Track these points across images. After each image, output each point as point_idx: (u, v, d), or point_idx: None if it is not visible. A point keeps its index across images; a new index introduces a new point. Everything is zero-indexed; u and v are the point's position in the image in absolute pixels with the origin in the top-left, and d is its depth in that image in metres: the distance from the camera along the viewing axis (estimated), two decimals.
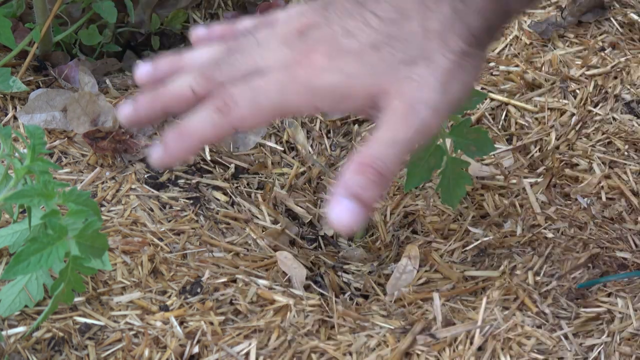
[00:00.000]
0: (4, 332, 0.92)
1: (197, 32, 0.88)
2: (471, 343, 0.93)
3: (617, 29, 1.29)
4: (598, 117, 1.17)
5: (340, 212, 0.80)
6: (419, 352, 0.93)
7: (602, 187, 1.10)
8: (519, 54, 1.26)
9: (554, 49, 1.26)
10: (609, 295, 0.98)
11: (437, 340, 0.94)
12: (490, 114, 1.19)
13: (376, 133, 0.81)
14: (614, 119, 1.17)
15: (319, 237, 1.16)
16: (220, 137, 0.83)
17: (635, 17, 1.30)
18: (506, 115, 1.20)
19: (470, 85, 0.78)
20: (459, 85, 0.78)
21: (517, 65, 1.24)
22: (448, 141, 0.98)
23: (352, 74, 0.79)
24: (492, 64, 1.25)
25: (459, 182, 0.99)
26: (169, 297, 0.98)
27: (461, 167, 0.98)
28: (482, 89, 1.21)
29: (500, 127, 1.19)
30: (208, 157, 1.17)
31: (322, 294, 1.04)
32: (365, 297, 1.07)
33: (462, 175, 0.99)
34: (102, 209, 1.07)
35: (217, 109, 0.82)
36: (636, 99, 1.19)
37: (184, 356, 0.93)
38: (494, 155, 1.15)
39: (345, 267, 1.11)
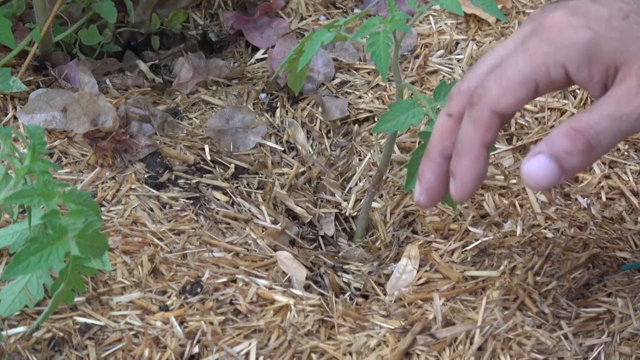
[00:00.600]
0: (4, 332, 0.92)
1: None
2: (471, 343, 0.93)
3: None
4: None
5: (534, 167, 0.78)
6: (419, 352, 0.93)
7: (602, 187, 1.10)
8: None
9: None
10: (609, 295, 0.98)
11: (437, 340, 0.94)
12: None
13: (598, 102, 0.77)
14: None
15: (319, 237, 1.16)
16: (486, 133, 0.81)
17: None
18: None
19: None
20: None
21: None
22: None
23: (601, 34, 0.76)
24: None
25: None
26: (169, 297, 0.98)
27: None
28: None
29: None
30: (208, 157, 1.17)
31: (322, 294, 1.04)
32: (365, 297, 1.07)
33: None
34: (102, 209, 1.07)
35: (470, 105, 0.81)
36: None
37: (184, 356, 0.93)
38: (494, 155, 1.15)
39: (345, 267, 1.11)
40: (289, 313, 0.98)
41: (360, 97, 1.26)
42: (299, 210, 1.17)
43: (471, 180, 0.82)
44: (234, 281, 1.01)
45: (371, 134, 1.22)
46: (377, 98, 1.25)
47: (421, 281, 1.04)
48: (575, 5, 0.79)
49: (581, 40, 0.78)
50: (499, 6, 1.32)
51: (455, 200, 0.83)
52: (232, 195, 1.14)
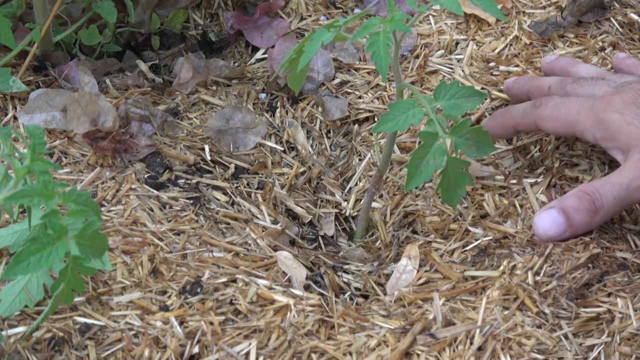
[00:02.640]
0: (4, 332, 0.92)
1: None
2: (471, 343, 0.93)
3: (617, 28, 1.29)
4: None
5: (545, 219, 0.99)
6: (419, 352, 0.93)
7: None
8: (519, 54, 1.26)
9: (554, 49, 1.26)
10: (609, 295, 0.98)
11: (437, 340, 0.94)
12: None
13: (611, 173, 1.01)
14: None
15: (319, 237, 1.16)
16: (520, 125, 1.09)
17: (635, 17, 1.30)
18: None
19: None
20: None
21: (517, 65, 1.24)
22: (448, 141, 0.98)
23: (629, 122, 1.00)
24: (492, 64, 1.25)
25: (459, 182, 0.99)
26: (169, 297, 0.98)
27: (461, 167, 0.98)
28: (482, 88, 1.21)
29: None
30: (208, 157, 1.17)
31: (322, 294, 1.04)
32: (365, 297, 1.07)
33: (462, 176, 0.99)
34: (102, 209, 1.07)
35: (533, 105, 1.08)
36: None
37: (184, 356, 0.93)
38: (494, 155, 1.15)
39: (345, 267, 1.11)
40: (289, 313, 0.98)
41: (360, 97, 1.26)
42: (299, 210, 1.17)
43: (491, 130, 1.06)
44: (234, 281, 1.01)
45: (371, 134, 1.22)
46: (377, 98, 1.25)
47: (421, 281, 1.04)
48: (634, 97, 1.02)
49: (612, 121, 1.01)
50: (499, 6, 1.32)
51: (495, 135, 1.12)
52: (232, 195, 1.14)
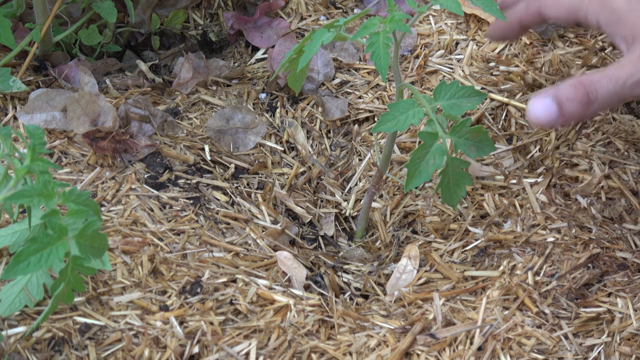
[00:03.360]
0: (4, 332, 0.93)
1: None
2: (471, 343, 0.93)
3: None
4: (598, 117, 1.17)
5: (538, 106, 0.95)
6: (419, 352, 0.93)
7: (602, 187, 1.10)
8: (519, 54, 1.26)
9: (554, 48, 1.26)
10: (609, 295, 0.98)
11: (437, 340, 0.94)
12: (490, 114, 1.19)
13: (610, 65, 0.97)
14: (613, 118, 1.17)
15: (319, 237, 1.16)
16: (525, 16, 1.07)
17: None
18: (506, 115, 1.20)
19: None
20: None
21: (517, 66, 1.24)
22: (448, 141, 0.98)
23: (636, 9, 0.95)
24: (492, 64, 1.25)
25: (459, 182, 0.99)
26: (169, 297, 0.98)
27: (461, 167, 0.98)
28: (482, 89, 1.21)
29: (500, 127, 1.19)
30: (208, 157, 1.17)
31: (322, 294, 1.04)
32: (365, 297, 1.07)
33: (462, 175, 0.99)
34: (102, 209, 1.07)
35: None
36: (636, 99, 1.19)
37: (184, 356, 0.93)
38: (494, 155, 1.15)
39: (345, 267, 1.11)
40: (289, 313, 0.98)
41: (360, 97, 1.26)
42: (299, 210, 1.17)
43: (498, 32, 1.10)
44: (234, 281, 1.01)
45: (371, 134, 1.22)
46: (377, 98, 1.25)
47: (421, 281, 1.04)
48: None
49: (617, 5, 0.96)
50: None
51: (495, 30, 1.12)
52: (232, 195, 1.14)
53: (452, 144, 0.98)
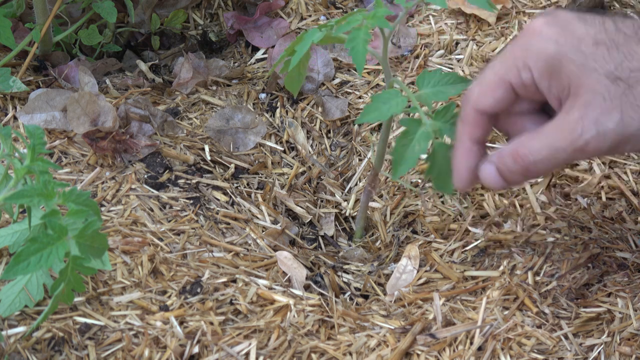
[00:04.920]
0: (4, 332, 0.92)
1: None
2: (471, 343, 0.93)
3: None
4: None
5: (486, 171, 0.90)
6: (419, 352, 0.93)
7: (602, 187, 1.10)
8: None
9: None
10: (609, 295, 0.98)
11: (437, 340, 0.94)
12: None
13: (544, 129, 0.86)
14: None
15: (319, 237, 1.16)
16: (473, 129, 0.91)
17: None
18: None
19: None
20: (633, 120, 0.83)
21: None
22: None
23: (566, 54, 0.83)
24: None
25: (449, 167, 0.96)
26: (169, 297, 0.98)
27: (449, 152, 0.96)
28: None
29: None
30: (208, 157, 1.17)
31: (322, 294, 1.04)
32: (365, 297, 1.07)
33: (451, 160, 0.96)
34: (102, 209, 1.07)
35: (460, 105, 0.93)
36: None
37: (184, 356, 0.93)
38: None
39: (345, 267, 1.11)
40: (289, 313, 0.98)
41: (360, 97, 1.26)
42: (299, 210, 1.17)
43: (464, 170, 0.92)
44: (234, 281, 1.01)
45: (371, 134, 1.22)
46: None
47: (421, 281, 1.04)
48: (559, 16, 0.84)
49: (547, 52, 0.83)
50: (499, 6, 1.32)
51: (456, 188, 0.93)
52: (232, 195, 1.14)
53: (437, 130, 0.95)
